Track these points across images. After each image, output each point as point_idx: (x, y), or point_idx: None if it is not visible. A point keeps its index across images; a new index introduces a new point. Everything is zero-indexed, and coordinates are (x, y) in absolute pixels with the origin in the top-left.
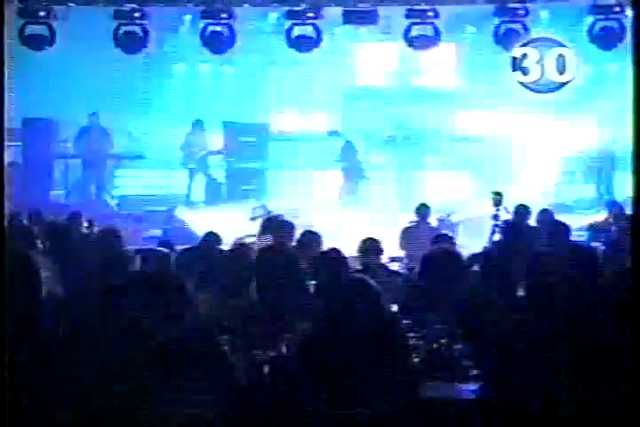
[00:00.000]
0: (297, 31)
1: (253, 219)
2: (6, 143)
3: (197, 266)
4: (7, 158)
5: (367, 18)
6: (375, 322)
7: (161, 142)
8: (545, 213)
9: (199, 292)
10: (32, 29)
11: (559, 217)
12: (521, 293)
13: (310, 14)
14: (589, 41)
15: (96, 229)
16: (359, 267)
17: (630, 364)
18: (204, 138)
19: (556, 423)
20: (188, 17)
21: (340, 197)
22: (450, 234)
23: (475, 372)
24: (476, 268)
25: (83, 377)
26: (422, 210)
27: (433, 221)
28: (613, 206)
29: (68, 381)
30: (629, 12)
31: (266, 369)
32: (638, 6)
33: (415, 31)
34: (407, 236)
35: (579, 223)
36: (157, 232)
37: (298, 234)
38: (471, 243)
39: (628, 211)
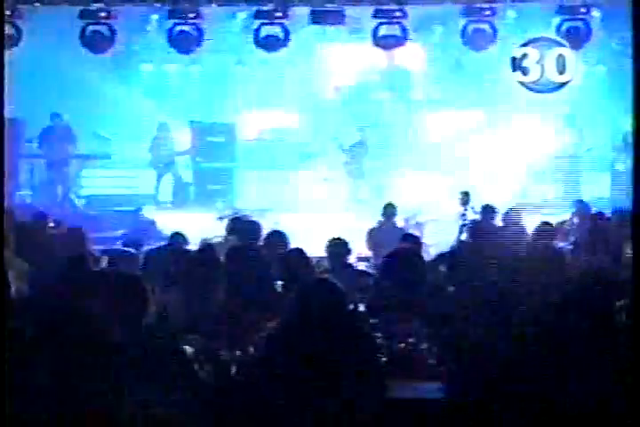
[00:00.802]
0: (265, 31)
1: (221, 218)
2: None
3: (164, 266)
4: None
5: (335, 18)
6: (341, 321)
7: (128, 142)
8: (511, 213)
9: (166, 292)
10: None
11: (526, 217)
12: (488, 291)
13: (278, 14)
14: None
15: (62, 229)
16: (326, 267)
17: (602, 364)
18: (171, 139)
19: (523, 422)
20: (155, 16)
21: (348, 197)
22: (416, 234)
23: (441, 371)
24: (442, 268)
25: (48, 378)
26: (389, 210)
27: (400, 221)
28: (580, 206)
29: (33, 381)
30: (595, 13)
31: (233, 369)
32: (638, 6)
33: (383, 31)
34: (374, 236)
35: None
36: (124, 232)
37: (265, 234)
38: (438, 243)
39: (594, 210)
